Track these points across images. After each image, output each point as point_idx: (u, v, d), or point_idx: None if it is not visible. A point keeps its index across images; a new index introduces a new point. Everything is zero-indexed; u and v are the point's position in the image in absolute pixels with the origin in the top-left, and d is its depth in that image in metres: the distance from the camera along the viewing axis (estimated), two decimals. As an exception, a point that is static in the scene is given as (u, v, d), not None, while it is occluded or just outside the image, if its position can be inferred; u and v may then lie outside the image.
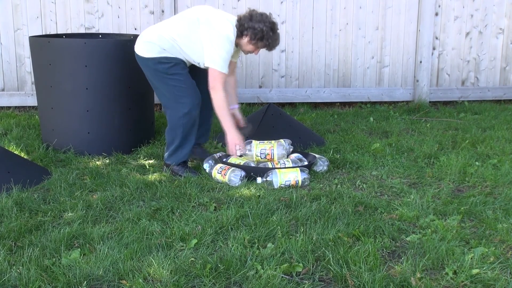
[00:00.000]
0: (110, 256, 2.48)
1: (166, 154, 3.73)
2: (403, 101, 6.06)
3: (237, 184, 3.47)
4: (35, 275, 2.31)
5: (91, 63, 3.94)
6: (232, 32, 3.49)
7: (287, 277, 2.35)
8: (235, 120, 3.77)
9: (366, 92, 5.93)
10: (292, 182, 3.46)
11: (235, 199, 3.21)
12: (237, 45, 3.59)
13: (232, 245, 2.60)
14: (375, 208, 3.10)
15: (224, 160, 3.75)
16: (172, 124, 3.63)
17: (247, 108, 5.64)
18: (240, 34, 3.50)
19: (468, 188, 3.48)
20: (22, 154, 4.02)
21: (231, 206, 3.08)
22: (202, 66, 3.60)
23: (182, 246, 2.62)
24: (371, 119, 5.34)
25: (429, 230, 2.79)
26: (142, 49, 3.60)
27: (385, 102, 6.05)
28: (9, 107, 5.49)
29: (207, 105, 3.74)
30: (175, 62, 3.56)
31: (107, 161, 3.97)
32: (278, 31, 3.56)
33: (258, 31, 3.45)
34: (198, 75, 3.67)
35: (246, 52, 3.67)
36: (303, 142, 4.30)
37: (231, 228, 2.81)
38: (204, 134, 4.05)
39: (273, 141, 3.85)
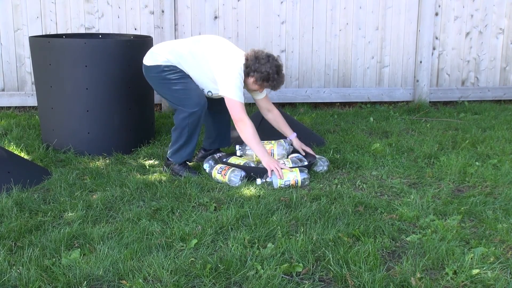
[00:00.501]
0: (110, 256, 2.48)
1: (169, 152, 3.74)
2: (403, 101, 6.06)
3: (237, 184, 3.47)
4: (35, 275, 2.31)
5: (91, 63, 3.94)
6: (241, 64, 3.54)
7: (287, 277, 2.35)
8: (301, 147, 3.85)
9: (366, 92, 5.93)
10: (292, 182, 3.46)
11: (235, 199, 3.21)
12: (244, 83, 3.60)
13: (232, 245, 2.60)
14: (375, 208, 3.10)
15: (224, 160, 3.75)
16: (178, 124, 3.65)
17: (247, 108, 5.62)
18: (246, 74, 3.55)
19: (468, 188, 3.48)
20: (22, 154, 4.03)
21: (231, 206, 3.08)
22: (214, 95, 3.65)
23: (182, 246, 2.62)
24: (371, 119, 5.34)
25: (429, 230, 2.79)
26: (149, 59, 3.66)
27: (385, 102, 6.05)
28: (9, 107, 5.49)
29: (221, 110, 3.81)
30: (178, 71, 3.59)
31: (107, 161, 3.97)
32: (283, 72, 3.62)
33: (264, 74, 3.51)
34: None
35: (251, 91, 3.74)
36: (303, 142, 4.29)
37: (231, 228, 2.81)
38: (224, 139, 4.05)
39: (273, 141, 3.85)
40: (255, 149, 3.56)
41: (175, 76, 3.59)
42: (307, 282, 2.32)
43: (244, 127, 3.50)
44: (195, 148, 3.75)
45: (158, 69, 3.60)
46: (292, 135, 3.90)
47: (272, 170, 3.47)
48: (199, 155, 4.07)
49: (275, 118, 3.92)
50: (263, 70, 3.49)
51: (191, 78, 3.64)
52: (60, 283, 2.27)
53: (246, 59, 3.55)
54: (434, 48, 5.95)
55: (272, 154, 3.76)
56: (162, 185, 3.42)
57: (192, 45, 3.64)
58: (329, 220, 2.90)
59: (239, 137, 3.70)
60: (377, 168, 3.84)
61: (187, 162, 3.76)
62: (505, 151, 4.19)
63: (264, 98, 3.88)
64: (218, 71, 3.51)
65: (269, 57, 3.55)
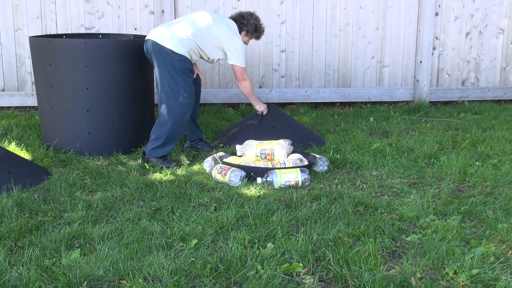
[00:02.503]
0: (110, 256, 2.48)
1: (148, 148, 3.90)
2: (403, 101, 6.06)
3: (237, 184, 3.47)
4: (35, 275, 2.31)
5: (91, 63, 3.94)
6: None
7: (287, 277, 2.35)
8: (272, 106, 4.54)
9: (366, 92, 5.93)
10: (292, 183, 3.46)
11: (235, 199, 3.21)
12: None
13: (232, 245, 2.60)
14: (375, 208, 3.10)
15: (224, 160, 3.75)
16: (164, 119, 3.84)
17: (247, 108, 5.65)
18: (239, 31, 4.07)
19: (468, 188, 3.48)
20: (22, 154, 4.02)
21: (231, 206, 3.08)
22: (209, 62, 4.10)
23: (182, 246, 2.62)
24: (371, 119, 5.34)
25: (429, 230, 2.79)
26: (177, 44, 3.82)
27: (385, 102, 6.05)
28: (9, 107, 5.49)
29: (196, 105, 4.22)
30: (190, 66, 3.93)
31: (107, 161, 3.97)
32: (261, 23, 4.21)
33: (253, 26, 4.11)
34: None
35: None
36: (303, 142, 4.30)
37: (231, 228, 2.81)
38: (199, 129, 4.36)
39: (273, 141, 3.86)
40: (252, 98, 4.31)
41: (187, 71, 3.88)
42: (307, 282, 2.32)
43: (246, 84, 4.15)
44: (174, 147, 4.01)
45: (181, 58, 3.83)
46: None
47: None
48: (185, 145, 4.34)
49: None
50: (252, 23, 4.10)
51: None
52: (60, 283, 2.27)
53: (236, 20, 4.08)
54: (434, 48, 5.95)
55: (272, 154, 3.77)
56: (162, 185, 3.42)
57: (197, 26, 3.93)
58: (329, 220, 2.90)
59: (239, 138, 3.73)
60: (377, 168, 3.84)
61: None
62: (505, 151, 4.19)
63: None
64: (227, 44, 3.96)
65: (250, 14, 4.15)
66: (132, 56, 4.07)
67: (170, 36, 3.83)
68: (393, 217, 2.97)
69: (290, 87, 5.84)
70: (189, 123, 4.18)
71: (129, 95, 4.12)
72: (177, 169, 3.78)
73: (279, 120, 4.46)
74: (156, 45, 3.82)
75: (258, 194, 3.30)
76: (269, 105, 4.53)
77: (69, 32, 5.34)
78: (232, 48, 3.98)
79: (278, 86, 5.81)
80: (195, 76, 4.05)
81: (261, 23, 4.20)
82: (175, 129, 3.87)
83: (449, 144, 4.40)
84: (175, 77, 3.81)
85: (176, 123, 3.84)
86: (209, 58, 4.04)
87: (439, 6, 5.87)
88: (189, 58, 3.89)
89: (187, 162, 4.00)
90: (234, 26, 4.02)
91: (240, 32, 4.07)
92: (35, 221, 2.88)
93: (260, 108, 4.43)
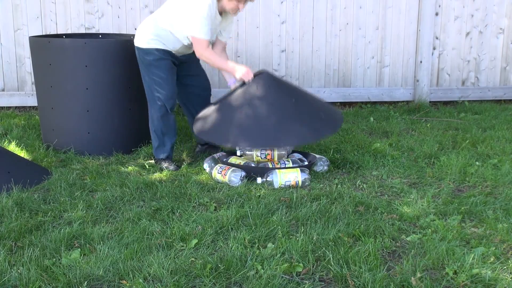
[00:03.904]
0: (110, 256, 2.48)
1: (153, 151, 3.94)
2: (403, 101, 6.06)
3: (237, 184, 3.47)
4: (35, 275, 2.31)
5: (91, 63, 3.94)
6: (209, 5, 3.52)
7: (287, 277, 2.35)
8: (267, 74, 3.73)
9: (366, 92, 5.93)
10: (292, 183, 3.46)
11: (235, 199, 3.21)
12: (221, 11, 3.63)
13: (232, 245, 2.60)
14: (375, 208, 3.10)
15: (224, 160, 3.75)
16: (151, 117, 3.85)
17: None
18: None
19: (469, 188, 3.48)
20: (22, 154, 4.02)
21: (231, 206, 3.08)
22: (189, 38, 3.64)
23: (182, 246, 2.62)
24: (371, 119, 5.34)
25: (430, 230, 2.79)
26: (137, 38, 3.78)
27: (385, 102, 6.05)
28: (9, 107, 5.49)
29: (203, 104, 3.91)
30: (160, 57, 3.70)
31: (107, 161, 3.97)
32: None
33: None
34: (192, 80, 3.95)
35: (232, 12, 3.64)
36: (324, 123, 3.49)
37: (231, 228, 2.81)
38: None
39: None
40: (222, 65, 3.66)
41: (156, 63, 3.69)
42: (307, 282, 2.32)
43: (207, 55, 3.59)
44: (173, 144, 3.92)
45: (144, 52, 3.71)
46: (231, 81, 3.79)
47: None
48: (196, 149, 4.20)
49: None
50: None
51: (172, 67, 3.75)
52: (60, 283, 2.27)
53: None
54: (434, 48, 5.95)
55: (272, 154, 3.76)
56: (162, 185, 3.42)
57: (169, 7, 3.67)
58: (329, 220, 2.90)
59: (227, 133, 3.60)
60: (377, 168, 3.84)
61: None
62: (505, 151, 4.19)
63: (224, 42, 3.84)
64: (184, 14, 3.56)
65: None
66: (132, 56, 4.06)
67: (137, 32, 3.81)
68: (393, 217, 2.97)
69: (290, 87, 5.83)
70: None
71: (129, 95, 4.12)
72: (177, 170, 3.78)
73: (280, 94, 3.59)
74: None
75: (258, 194, 3.30)
76: (259, 73, 3.65)
77: (69, 32, 5.34)
78: (187, 17, 3.52)
79: (278, 86, 5.81)
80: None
81: None
82: (162, 125, 3.81)
83: (449, 144, 4.40)
84: (144, 73, 3.77)
85: (160, 118, 3.79)
86: (184, 39, 3.65)
87: (439, 6, 5.87)
88: (154, 48, 3.66)
89: (187, 162, 4.00)
90: (201, 2, 3.48)
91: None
92: (35, 221, 2.88)
93: (241, 72, 3.55)
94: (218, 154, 3.91)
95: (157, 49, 3.70)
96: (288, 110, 3.51)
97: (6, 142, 4.30)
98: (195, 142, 4.37)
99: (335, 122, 3.53)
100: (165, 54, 3.72)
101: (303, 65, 5.80)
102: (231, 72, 3.65)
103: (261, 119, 3.46)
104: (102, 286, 2.30)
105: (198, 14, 3.50)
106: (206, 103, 3.91)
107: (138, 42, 3.76)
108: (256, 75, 3.60)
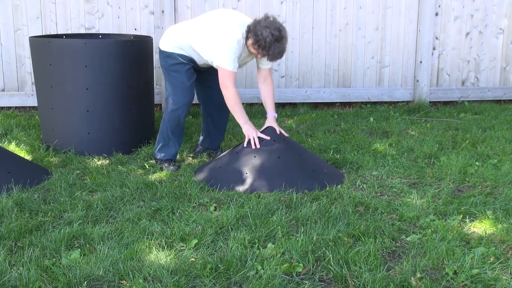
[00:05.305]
0: (110, 256, 2.48)
1: (155, 149, 3.94)
2: (403, 101, 6.06)
3: (237, 184, 3.47)
4: (35, 276, 2.31)
5: (91, 63, 3.94)
6: (239, 33, 3.49)
7: (287, 277, 2.35)
8: (274, 126, 3.70)
9: (366, 92, 5.93)
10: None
11: (235, 199, 3.21)
12: (247, 47, 3.58)
13: (232, 245, 2.60)
14: (375, 208, 3.10)
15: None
16: (164, 118, 3.85)
17: (247, 108, 5.64)
18: (246, 37, 3.50)
19: (468, 188, 3.48)
20: (22, 154, 4.02)
21: (231, 206, 3.08)
22: (214, 65, 3.65)
23: (182, 246, 2.62)
24: (371, 119, 5.34)
25: (429, 230, 2.80)
26: (162, 41, 3.80)
27: (385, 102, 6.05)
28: (9, 108, 5.49)
29: (222, 108, 3.95)
30: (181, 61, 3.71)
31: (107, 161, 3.97)
32: (282, 43, 3.42)
33: (260, 38, 3.39)
34: (212, 83, 3.88)
35: (257, 58, 3.67)
36: (316, 178, 3.49)
37: (231, 228, 2.81)
38: (213, 140, 4.16)
39: None
40: (236, 114, 3.63)
41: (175, 68, 3.71)
42: (307, 282, 2.32)
43: (228, 93, 3.57)
44: (178, 149, 3.92)
45: (165, 54, 3.75)
46: (270, 113, 3.75)
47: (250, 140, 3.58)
48: (196, 149, 4.19)
49: (265, 90, 3.78)
50: (259, 33, 3.38)
51: (192, 72, 3.76)
52: (60, 283, 2.27)
53: (252, 22, 3.50)
54: (434, 48, 5.95)
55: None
56: (162, 185, 3.42)
57: (199, 25, 3.67)
58: (329, 220, 2.90)
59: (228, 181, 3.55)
60: (377, 168, 3.84)
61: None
62: (505, 151, 4.19)
63: (267, 69, 3.76)
64: (212, 43, 3.56)
65: (273, 22, 3.42)
66: (132, 56, 4.07)
67: (164, 36, 3.83)
68: (393, 217, 2.97)
69: (290, 87, 5.83)
70: (209, 129, 4.10)
71: (129, 95, 4.12)
72: (177, 170, 3.78)
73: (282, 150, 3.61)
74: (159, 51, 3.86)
75: (258, 194, 3.30)
76: (266, 129, 3.69)
77: (69, 32, 5.34)
78: (215, 48, 3.53)
79: (278, 86, 5.81)
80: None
81: (279, 40, 3.38)
82: (171, 128, 3.80)
83: (449, 144, 4.40)
84: (165, 75, 3.80)
85: (170, 121, 3.79)
86: (207, 60, 3.68)
87: (439, 6, 5.87)
88: (176, 52, 3.67)
89: (187, 162, 4.00)
90: (234, 29, 3.48)
91: (247, 38, 3.50)
92: (35, 221, 2.88)
93: (248, 131, 3.60)
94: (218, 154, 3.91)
95: (179, 54, 3.70)
96: (296, 161, 3.57)
97: (6, 142, 4.30)
98: (195, 142, 4.38)
99: (338, 177, 3.61)
100: (187, 59, 3.72)
101: (303, 65, 5.80)
102: (239, 121, 3.64)
103: (269, 168, 3.48)
104: (102, 286, 2.30)
105: (227, 46, 3.47)
106: (225, 105, 3.78)
107: (163, 46, 3.77)
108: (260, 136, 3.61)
